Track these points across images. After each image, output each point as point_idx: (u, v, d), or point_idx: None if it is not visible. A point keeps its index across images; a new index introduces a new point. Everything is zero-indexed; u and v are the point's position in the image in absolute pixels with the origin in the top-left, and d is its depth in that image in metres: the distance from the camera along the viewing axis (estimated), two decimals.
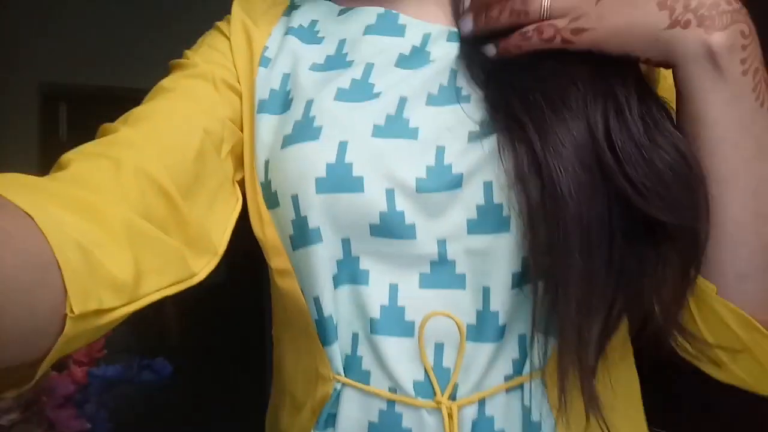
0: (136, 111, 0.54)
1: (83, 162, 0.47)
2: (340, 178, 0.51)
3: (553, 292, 0.48)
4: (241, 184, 0.58)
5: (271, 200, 0.54)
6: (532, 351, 0.51)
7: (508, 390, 0.50)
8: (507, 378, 0.51)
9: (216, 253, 0.53)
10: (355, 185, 0.50)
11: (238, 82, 0.59)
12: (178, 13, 2.97)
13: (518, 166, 0.48)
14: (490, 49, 0.53)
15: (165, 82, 0.57)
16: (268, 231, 0.55)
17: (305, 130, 0.53)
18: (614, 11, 0.48)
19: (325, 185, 0.51)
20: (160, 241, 0.47)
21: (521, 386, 0.51)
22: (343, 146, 0.51)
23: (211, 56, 0.59)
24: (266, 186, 0.55)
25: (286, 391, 0.60)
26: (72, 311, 0.38)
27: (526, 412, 0.50)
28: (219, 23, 0.63)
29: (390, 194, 0.50)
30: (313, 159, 0.51)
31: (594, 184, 0.47)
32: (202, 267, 0.51)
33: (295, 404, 0.57)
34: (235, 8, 0.63)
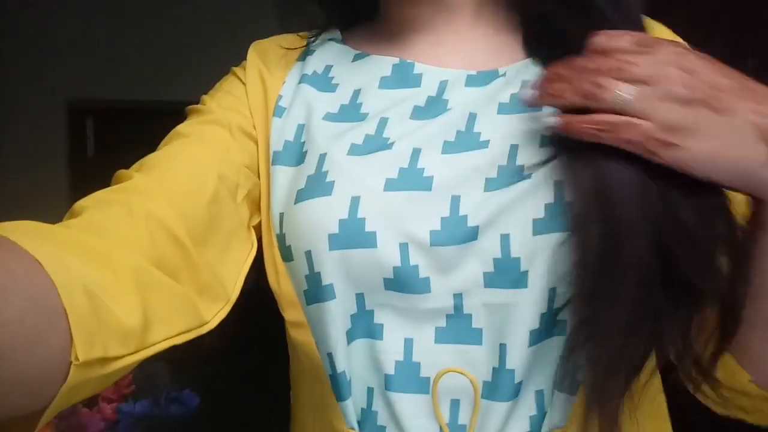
0: (151, 157, 0.54)
1: (95, 209, 0.47)
2: (352, 234, 0.50)
3: (585, 341, 0.46)
4: (257, 229, 0.58)
5: (286, 254, 0.54)
6: (552, 408, 0.50)
7: None
8: None
9: (228, 300, 0.52)
10: (368, 240, 0.50)
11: (254, 129, 0.59)
12: (203, 28, 3.00)
13: (580, 204, 0.46)
14: (549, 120, 0.48)
15: (181, 127, 0.57)
16: (283, 283, 0.55)
17: (318, 185, 0.53)
18: (711, 133, 0.42)
19: (338, 241, 0.50)
20: (170, 288, 0.47)
21: None
22: (355, 201, 0.51)
23: (227, 102, 0.60)
24: (281, 239, 0.55)
25: None
26: (77, 358, 0.37)
27: None
28: (235, 69, 0.63)
29: (404, 248, 0.50)
30: (325, 215, 0.51)
31: (652, 242, 0.45)
32: (213, 315, 0.50)
33: None
34: (251, 55, 0.63)
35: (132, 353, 0.42)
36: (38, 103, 2.88)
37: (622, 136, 0.44)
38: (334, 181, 0.52)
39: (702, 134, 0.42)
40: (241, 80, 0.62)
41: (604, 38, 0.45)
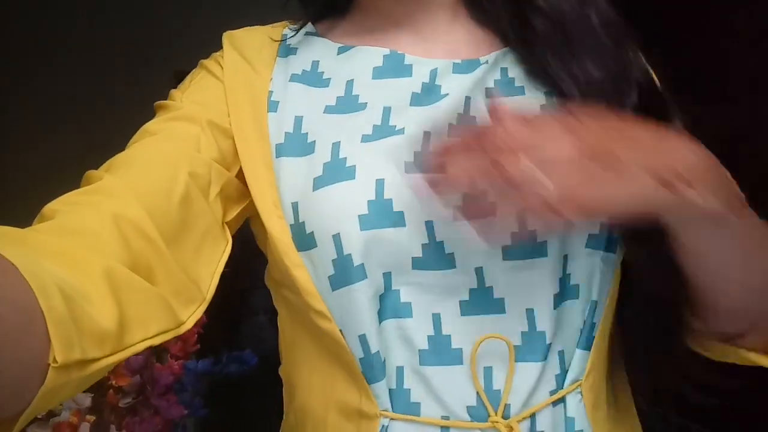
0: (120, 157, 0.53)
1: (66, 213, 0.47)
2: (382, 214, 0.51)
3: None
4: (231, 225, 0.57)
5: (307, 241, 0.53)
6: (573, 364, 0.54)
7: (554, 404, 0.53)
8: (552, 393, 0.53)
9: (204, 300, 0.52)
10: (398, 220, 0.51)
11: (230, 124, 0.57)
12: None
13: None
14: (454, 215, 0.47)
15: (149, 125, 0.56)
16: (299, 273, 0.54)
17: (338, 171, 0.53)
18: (606, 183, 0.43)
19: (368, 222, 0.51)
20: (145, 290, 0.47)
21: (563, 399, 0.54)
22: (380, 183, 0.52)
23: (199, 97, 0.58)
24: (299, 227, 0.54)
25: (307, 427, 0.58)
26: (55, 361, 0.37)
27: (570, 422, 0.53)
28: (206, 62, 0.62)
29: (429, 226, 0.51)
30: (353, 197, 0.52)
31: None
32: (189, 315, 0.50)
33: None
34: (227, 47, 0.61)
35: (109, 355, 0.42)
36: (148, 76, 3.10)
37: (530, 206, 0.43)
38: (355, 166, 0.53)
39: (598, 186, 0.43)
40: (214, 74, 0.60)
41: (491, 119, 0.45)
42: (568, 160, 0.43)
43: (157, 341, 0.47)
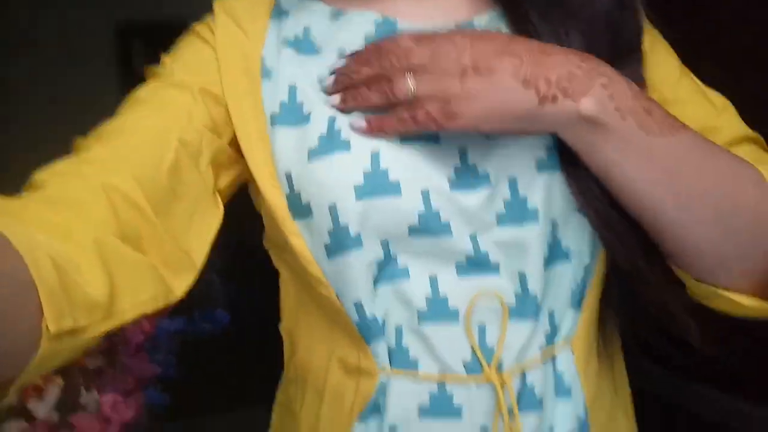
0: (109, 125, 0.53)
1: (55, 183, 0.47)
2: (378, 184, 0.52)
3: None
4: (224, 193, 0.58)
5: (303, 211, 0.54)
6: (563, 323, 0.56)
7: (544, 361, 0.55)
8: (542, 349, 0.55)
9: (195, 269, 0.53)
10: (394, 189, 0.52)
11: (223, 91, 0.57)
12: None
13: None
14: (358, 122, 0.54)
15: (140, 92, 0.56)
16: (296, 241, 0.55)
17: (334, 143, 0.54)
18: (482, 95, 0.48)
19: (364, 191, 0.52)
20: (134, 260, 0.47)
21: (553, 357, 0.56)
22: (375, 155, 0.53)
23: (190, 63, 0.58)
24: (294, 198, 0.55)
25: (308, 382, 0.60)
26: (48, 330, 0.38)
27: (560, 377, 0.55)
28: (198, 28, 0.61)
29: (425, 195, 0.52)
30: (348, 168, 0.53)
31: None
32: (180, 286, 0.51)
33: (324, 396, 0.58)
34: (219, 13, 0.60)
35: (100, 324, 0.44)
36: (87, 26, 2.94)
37: (418, 121, 0.50)
38: (350, 139, 0.54)
39: (475, 96, 0.48)
40: (205, 40, 0.59)
41: (385, 41, 0.52)
42: (451, 74, 0.48)
43: (148, 309, 0.48)
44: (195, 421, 2.27)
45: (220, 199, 0.57)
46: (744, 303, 0.53)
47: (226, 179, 0.58)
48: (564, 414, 0.55)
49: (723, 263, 0.52)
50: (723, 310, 0.55)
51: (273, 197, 0.56)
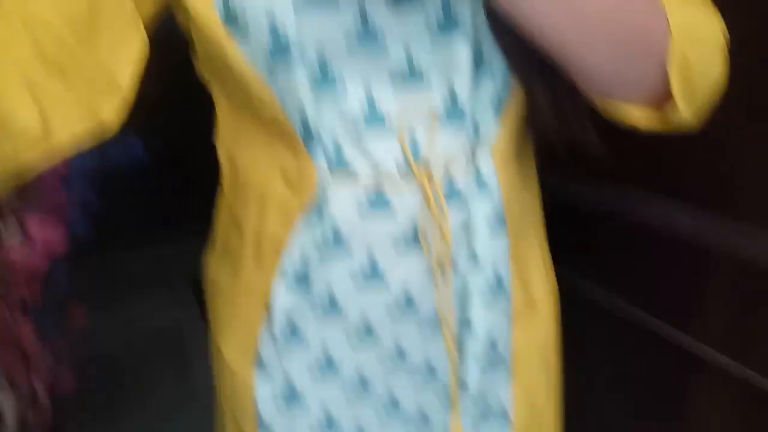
0: None
1: None
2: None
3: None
4: (149, 18, 0.57)
5: (238, 27, 0.53)
6: (488, 127, 0.60)
7: (468, 162, 0.60)
8: (464, 148, 0.59)
9: (122, 91, 0.52)
10: (330, 3, 0.53)
11: None
12: None
13: None
14: None
15: None
16: (230, 48, 0.54)
17: None
18: None
19: (302, 5, 0.52)
20: (62, 90, 0.48)
21: (473, 154, 0.60)
22: None
23: None
24: (229, 14, 0.53)
25: (249, 197, 0.63)
26: None
27: (481, 177, 0.61)
28: None
29: (362, 10, 0.53)
30: None
31: None
32: (108, 108, 0.52)
33: (267, 205, 0.61)
34: None
35: (39, 154, 0.46)
36: None
37: None
38: None
39: None
40: None
41: None
42: None
43: (84, 138, 0.50)
44: (124, 255, 2.27)
45: (143, 30, 0.55)
46: (635, 113, 0.57)
47: (152, 7, 0.56)
48: (484, 208, 0.62)
49: (620, 79, 0.56)
50: (619, 120, 0.59)
51: (202, 8, 0.54)
